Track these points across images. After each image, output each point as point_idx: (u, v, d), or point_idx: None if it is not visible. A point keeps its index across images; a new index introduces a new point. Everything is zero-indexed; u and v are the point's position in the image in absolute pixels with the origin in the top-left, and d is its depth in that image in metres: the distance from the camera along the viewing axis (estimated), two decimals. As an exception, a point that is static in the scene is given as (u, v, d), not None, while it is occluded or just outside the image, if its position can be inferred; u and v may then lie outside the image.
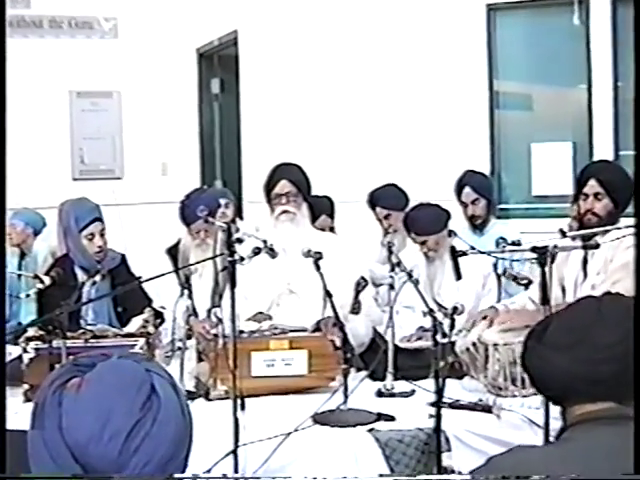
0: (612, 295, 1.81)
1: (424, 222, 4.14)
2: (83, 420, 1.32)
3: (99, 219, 4.11)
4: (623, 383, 1.60)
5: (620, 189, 3.65)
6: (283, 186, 4.08)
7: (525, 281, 3.68)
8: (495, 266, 4.30)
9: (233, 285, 2.93)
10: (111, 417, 1.31)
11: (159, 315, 3.96)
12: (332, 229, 4.92)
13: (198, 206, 3.90)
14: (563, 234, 3.37)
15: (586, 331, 1.63)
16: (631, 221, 3.24)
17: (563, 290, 3.69)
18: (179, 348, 3.60)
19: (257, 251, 3.24)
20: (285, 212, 4.07)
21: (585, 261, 3.66)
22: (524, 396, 3.19)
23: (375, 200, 5.05)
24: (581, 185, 3.71)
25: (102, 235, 4.10)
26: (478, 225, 4.97)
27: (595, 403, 1.62)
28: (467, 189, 4.97)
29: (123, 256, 4.26)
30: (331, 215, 5.04)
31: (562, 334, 1.65)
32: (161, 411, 1.35)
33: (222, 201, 4.93)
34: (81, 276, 4.06)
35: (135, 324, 3.79)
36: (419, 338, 3.91)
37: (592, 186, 3.66)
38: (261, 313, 3.90)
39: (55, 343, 3.21)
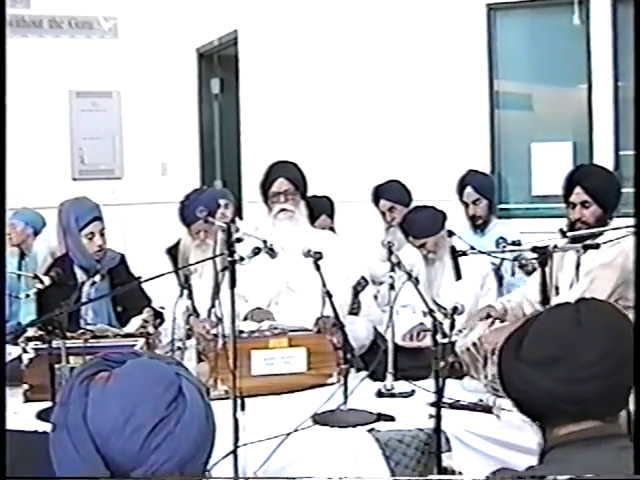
0: (589, 302, 1.70)
1: (421, 224, 4.14)
2: (108, 411, 1.33)
3: (99, 218, 4.09)
4: (608, 400, 1.54)
5: (606, 194, 3.63)
6: (281, 184, 4.07)
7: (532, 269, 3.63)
8: (499, 267, 4.29)
9: (233, 285, 2.92)
10: (136, 411, 1.32)
11: (159, 315, 3.96)
12: (332, 229, 4.91)
13: (198, 206, 3.90)
14: (563, 234, 3.36)
15: (567, 347, 1.54)
16: (629, 221, 3.22)
17: (557, 293, 3.67)
18: (179, 348, 3.59)
19: (257, 251, 3.24)
20: (284, 210, 4.06)
21: (578, 264, 3.65)
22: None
23: (379, 193, 5.07)
24: (567, 193, 3.69)
25: (102, 234, 4.08)
26: (479, 225, 4.98)
27: (578, 423, 1.54)
28: (468, 189, 4.98)
29: (122, 256, 4.25)
30: (331, 215, 5.03)
31: (540, 349, 1.56)
32: (186, 413, 1.35)
33: (222, 201, 4.93)
34: (81, 276, 4.05)
35: (135, 324, 3.78)
36: (421, 335, 3.91)
37: (578, 194, 3.64)
38: (259, 309, 3.89)
39: (55, 343, 3.21)
